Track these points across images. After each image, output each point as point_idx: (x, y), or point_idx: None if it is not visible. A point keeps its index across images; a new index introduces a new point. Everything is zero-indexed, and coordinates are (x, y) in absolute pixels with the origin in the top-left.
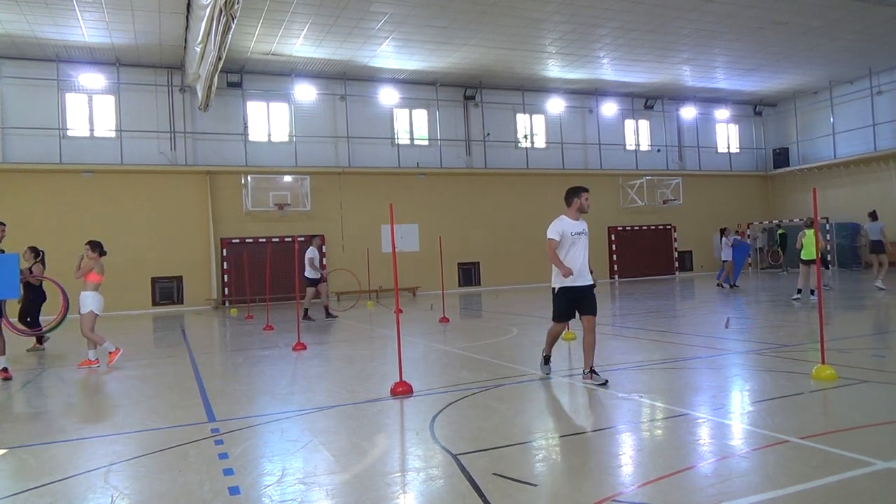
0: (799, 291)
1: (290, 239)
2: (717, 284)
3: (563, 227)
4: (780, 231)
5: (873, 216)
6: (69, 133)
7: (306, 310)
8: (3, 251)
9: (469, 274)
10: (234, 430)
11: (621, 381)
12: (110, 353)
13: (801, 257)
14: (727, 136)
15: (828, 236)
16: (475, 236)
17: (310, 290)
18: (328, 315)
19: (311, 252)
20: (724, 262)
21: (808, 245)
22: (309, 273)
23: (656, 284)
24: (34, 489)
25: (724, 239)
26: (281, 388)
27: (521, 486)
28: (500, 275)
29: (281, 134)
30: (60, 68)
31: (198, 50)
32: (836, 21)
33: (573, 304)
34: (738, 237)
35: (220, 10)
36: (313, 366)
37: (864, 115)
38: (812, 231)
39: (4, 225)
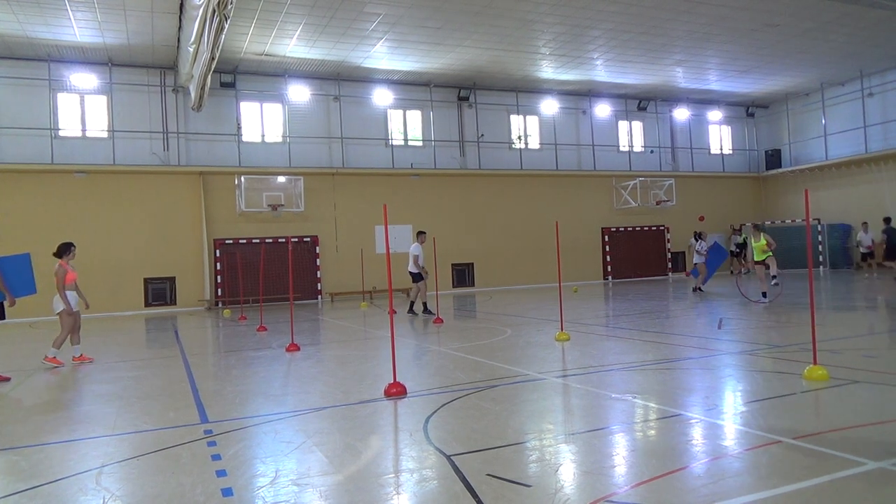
0: (764, 294)
1: (283, 240)
2: (695, 289)
3: None
4: (742, 236)
5: None
6: (61, 133)
7: (424, 303)
8: None
9: (463, 275)
10: (227, 432)
11: (615, 381)
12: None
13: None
14: (720, 137)
15: (819, 237)
16: (469, 237)
17: (420, 285)
18: (411, 310)
19: (417, 249)
20: (696, 264)
21: (757, 247)
22: (412, 268)
23: (649, 285)
24: (25, 491)
25: (699, 242)
26: (274, 390)
27: (514, 487)
28: (494, 276)
29: (274, 134)
30: (52, 68)
31: (191, 50)
32: (828, 23)
33: None
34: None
35: (214, 11)
36: (307, 367)
37: (856, 116)
38: (762, 234)
39: None
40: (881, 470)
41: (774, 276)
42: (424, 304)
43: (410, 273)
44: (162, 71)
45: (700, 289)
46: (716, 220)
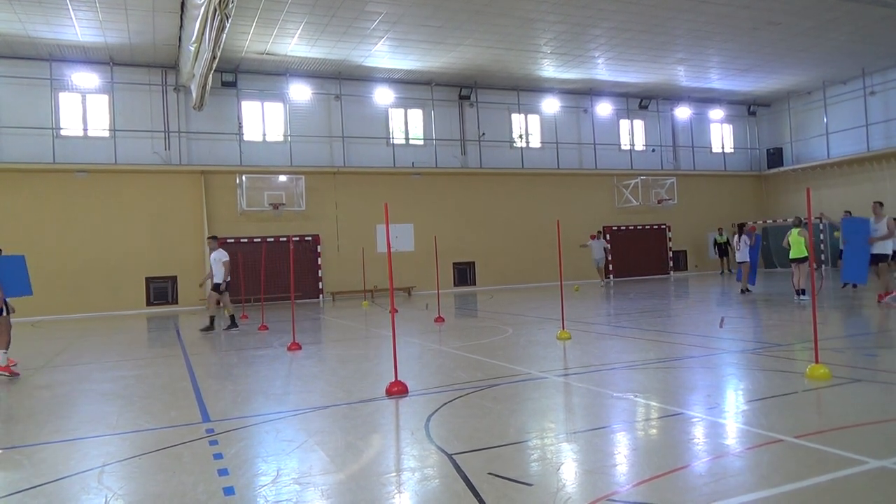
0: (801, 292)
1: (284, 239)
2: (742, 290)
3: None
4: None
5: None
6: (62, 133)
7: (232, 316)
8: None
9: (464, 274)
10: (228, 431)
11: (616, 380)
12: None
13: (790, 257)
14: (721, 136)
15: (821, 235)
16: (470, 236)
17: (220, 296)
18: (233, 325)
19: (225, 255)
20: (741, 263)
21: (795, 244)
22: (223, 278)
23: (651, 284)
24: (27, 490)
25: (743, 237)
26: (276, 389)
27: (516, 486)
28: (495, 275)
29: (276, 133)
30: (54, 67)
31: (192, 49)
32: (829, 22)
33: None
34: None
35: (215, 10)
36: (308, 366)
37: (857, 115)
38: (797, 230)
39: None
40: (882, 469)
41: (803, 291)
42: (232, 317)
43: (216, 284)
44: (163, 70)
45: (748, 289)
46: (717, 219)
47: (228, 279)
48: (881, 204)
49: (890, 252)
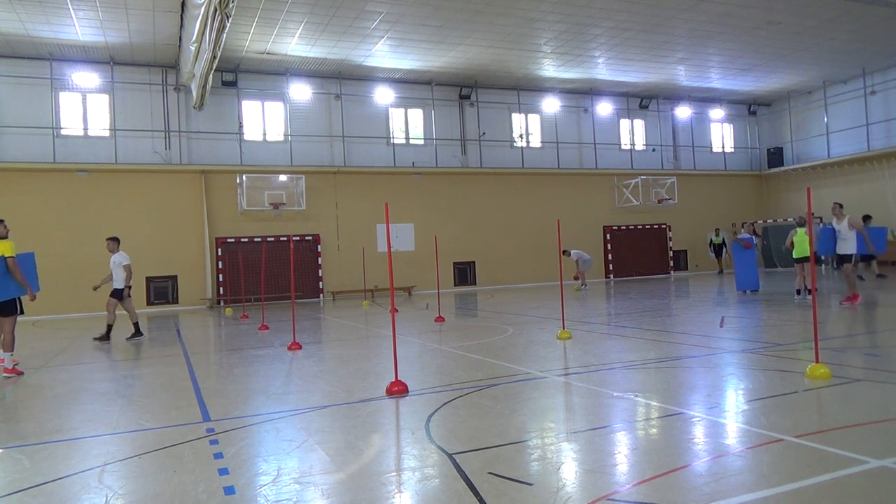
0: (798, 292)
1: (285, 238)
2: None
3: None
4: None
5: None
6: (63, 132)
7: (136, 323)
8: None
9: (464, 273)
10: (229, 430)
11: (616, 379)
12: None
13: (794, 256)
14: (722, 135)
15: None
16: (470, 236)
17: (122, 303)
18: (137, 333)
19: (126, 258)
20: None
21: (800, 244)
22: (124, 283)
23: (651, 284)
24: (28, 489)
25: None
26: (276, 388)
27: (516, 486)
28: (495, 274)
29: (276, 133)
30: (54, 67)
31: (192, 49)
32: (830, 21)
33: None
34: (747, 235)
35: (215, 9)
36: (308, 365)
37: (858, 114)
38: (803, 230)
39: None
40: (883, 468)
41: (799, 292)
42: (136, 325)
43: (117, 290)
44: (164, 69)
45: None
46: (717, 219)
47: (130, 285)
48: (840, 206)
49: (853, 252)
